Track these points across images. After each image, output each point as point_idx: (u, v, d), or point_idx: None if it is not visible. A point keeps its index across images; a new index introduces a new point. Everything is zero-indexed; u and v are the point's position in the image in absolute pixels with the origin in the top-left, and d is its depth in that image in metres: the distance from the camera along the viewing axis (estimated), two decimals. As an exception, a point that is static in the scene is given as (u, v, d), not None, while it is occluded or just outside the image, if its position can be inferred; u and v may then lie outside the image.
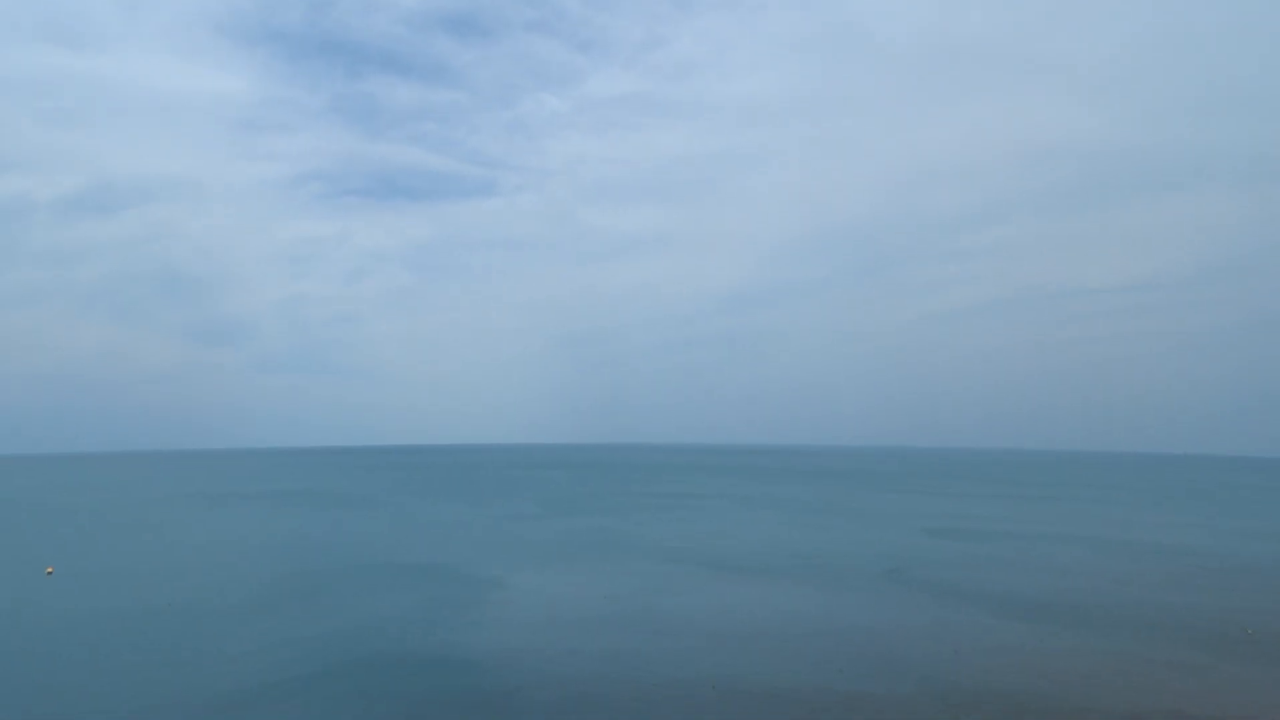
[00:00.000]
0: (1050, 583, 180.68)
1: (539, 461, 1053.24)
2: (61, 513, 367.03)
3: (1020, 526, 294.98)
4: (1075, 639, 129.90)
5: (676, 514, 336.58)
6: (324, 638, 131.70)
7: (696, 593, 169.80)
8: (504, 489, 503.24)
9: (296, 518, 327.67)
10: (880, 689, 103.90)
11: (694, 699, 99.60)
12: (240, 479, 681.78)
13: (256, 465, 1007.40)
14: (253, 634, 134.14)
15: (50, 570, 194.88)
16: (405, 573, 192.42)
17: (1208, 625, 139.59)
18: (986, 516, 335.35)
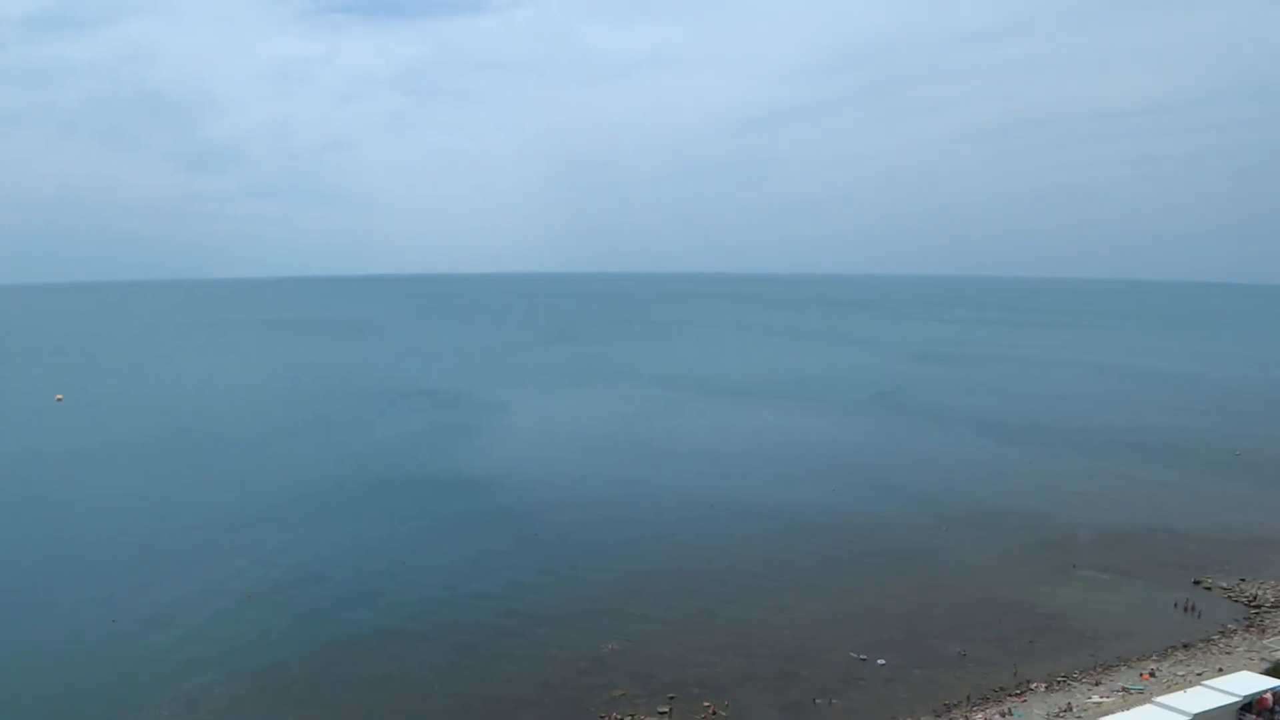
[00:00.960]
0: (1044, 406, 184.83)
1: (537, 290, 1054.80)
2: (65, 341, 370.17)
3: (1017, 352, 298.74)
4: (1067, 460, 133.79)
5: (675, 341, 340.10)
6: (340, 459, 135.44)
7: (695, 416, 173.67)
8: (503, 317, 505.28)
9: (300, 345, 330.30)
10: (873, 507, 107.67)
11: (694, 517, 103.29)
12: (238, 308, 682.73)
13: (252, 294, 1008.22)
14: (268, 457, 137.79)
15: (60, 398, 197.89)
16: (413, 398, 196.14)
17: (1199, 447, 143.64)
18: (984, 342, 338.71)
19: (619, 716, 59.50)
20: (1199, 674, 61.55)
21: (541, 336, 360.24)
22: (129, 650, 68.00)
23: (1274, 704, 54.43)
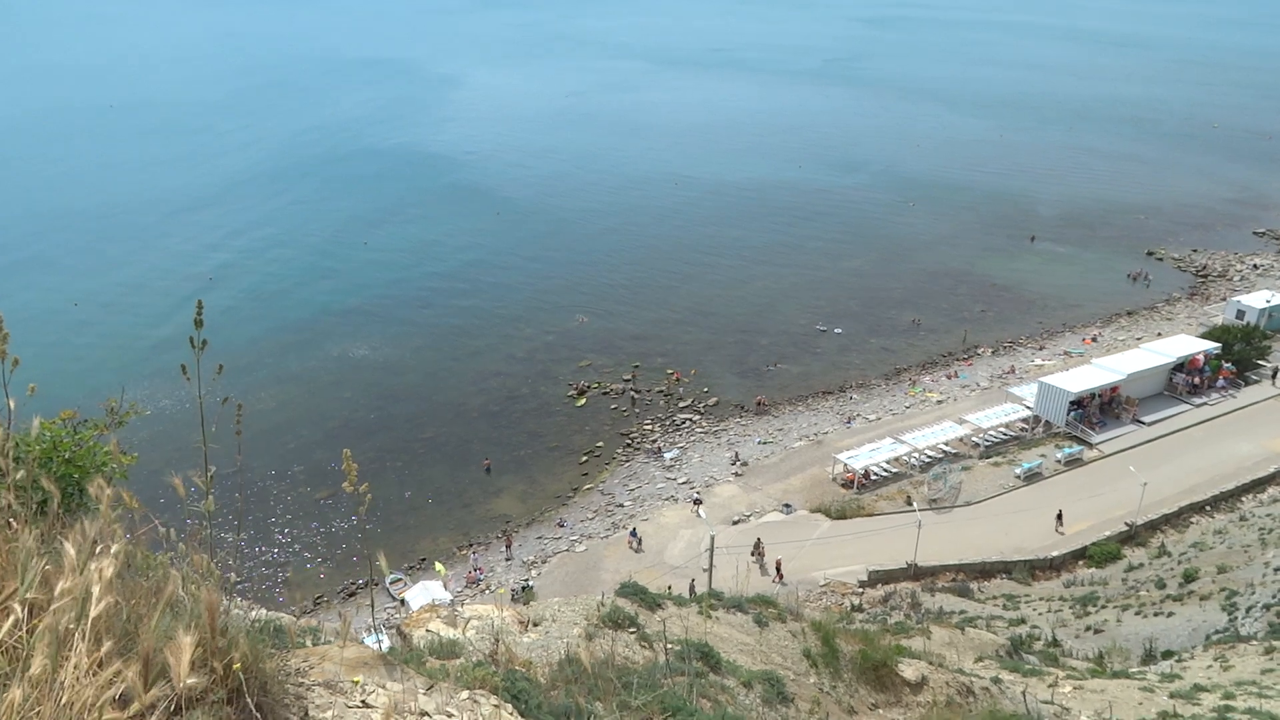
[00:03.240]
0: (1010, 75, 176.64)
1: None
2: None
3: (980, 16, 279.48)
4: (1036, 133, 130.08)
5: (620, 5, 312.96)
6: (288, 136, 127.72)
7: (652, 89, 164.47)
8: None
9: (219, 12, 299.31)
10: (836, 182, 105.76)
11: (658, 194, 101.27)
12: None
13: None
14: (213, 133, 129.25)
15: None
16: (357, 69, 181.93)
17: (1175, 120, 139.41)
18: (942, 5, 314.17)
19: (587, 384, 62.07)
20: (1139, 338, 64.74)
21: (480, 1, 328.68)
22: (96, 335, 67.88)
23: (1204, 364, 57.85)
